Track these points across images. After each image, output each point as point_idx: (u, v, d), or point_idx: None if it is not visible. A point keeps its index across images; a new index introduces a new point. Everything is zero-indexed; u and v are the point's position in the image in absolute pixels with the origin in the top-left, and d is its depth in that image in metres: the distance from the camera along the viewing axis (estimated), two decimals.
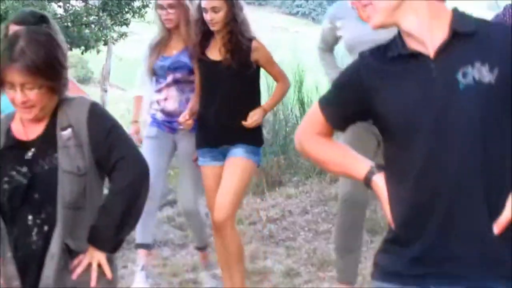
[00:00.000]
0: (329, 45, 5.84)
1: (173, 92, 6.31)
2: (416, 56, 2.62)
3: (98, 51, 20.86)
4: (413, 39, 2.63)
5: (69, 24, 19.47)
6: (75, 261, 3.32)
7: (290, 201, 9.25)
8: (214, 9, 5.79)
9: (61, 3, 19.64)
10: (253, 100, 6.02)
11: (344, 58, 5.64)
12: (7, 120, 3.61)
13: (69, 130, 3.42)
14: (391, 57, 2.68)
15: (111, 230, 3.37)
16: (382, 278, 2.82)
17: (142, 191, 3.46)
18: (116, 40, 22.13)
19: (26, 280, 3.40)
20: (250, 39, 5.90)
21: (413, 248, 2.69)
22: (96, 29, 19.66)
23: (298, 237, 8.28)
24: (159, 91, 6.34)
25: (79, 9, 19.83)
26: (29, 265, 3.41)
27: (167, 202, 9.43)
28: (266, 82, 9.76)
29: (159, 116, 6.38)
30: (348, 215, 5.58)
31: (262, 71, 6.17)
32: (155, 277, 7.42)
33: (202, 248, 6.88)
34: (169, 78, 6.28)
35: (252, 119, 5.79)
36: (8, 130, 3.56)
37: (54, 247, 3.34)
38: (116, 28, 20.97)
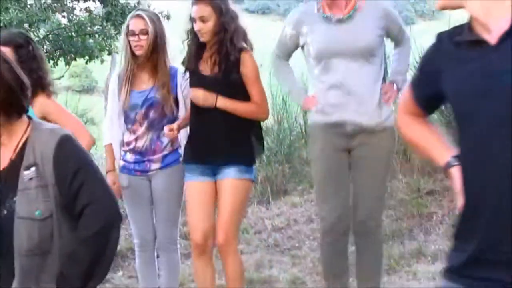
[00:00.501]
0: (287, 53, 5.68)
1: (143, 129, 6.07)
2: (480, 42, 2.63)
3: (102, 61, 20.85)
4: (478, 24, 2.64)
5: (73, 34, 19.46)
6: None
7: (295, 209, 9.25)
8: (202, 19, 5.62)
9: (65, 13, 19.65)
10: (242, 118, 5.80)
11: (310, 67, 5.44)
12: None
13: (33, 169, 3.22)
14: (458, 42, 2.71)
15: (79, 280, 3.16)
16: (447, 277, 2.82)
17: (111, 239, 3.26)
18: (119, 50, 21.89)
19: None
20: (240, 50, 5.70)
21: (469, 245, 2.69)
22: (100, 39, 19.64)
23: (303, 246, 8.28)
24: (129, 130, 6.14)
25: (83, 19, 19.82)
26: None
27: None
28: (270, 91, 9.77)
29: (129, 157, 6.18)
30: (329, 246, 5.59)
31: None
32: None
33: None
34: (140, 115, 6.07)
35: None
36: None
37: None
38: (120, 37, 20.76)
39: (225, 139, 5.74)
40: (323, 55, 5.29)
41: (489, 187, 2.60)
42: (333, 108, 5.30)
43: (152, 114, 6.05)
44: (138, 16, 6.07)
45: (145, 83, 6.09)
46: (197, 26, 5.66)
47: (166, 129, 5.88)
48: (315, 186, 5.69)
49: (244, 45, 5.77)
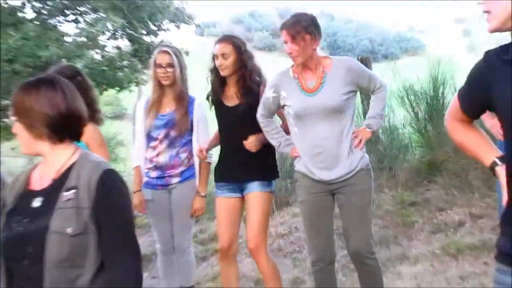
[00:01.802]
0: (271, 112, 5.63)
1: (164, 146, 6.16)
2: None
3: (130, 91, 20.91)
4: None
5: (105, 68, 19.50)
6: None
7: (296, 218, 9.24)
8: (224, 56, 5.71)
9: (98, 50, 19.68)
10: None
11: (290, 124, 5.44)
12: (30, 170, 3.48)
13: (73, 191, 3.20)
14: (505, 59, 2.74)
15: None
16: (500, 259, 2.85)
17: None
18: (145, 82, 22.17)
19: None
20: (259, 84, 5.81)
21: None
22: (129, 72, 19.69)
23: (303, 250, 8.26)
24: (152, 148, 6.20)
25: (113, 55, 19.85)
26: None
27: None
28: None
29: (152, 174, 6.23)
30: (318, 273, 5.59)
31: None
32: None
33: None
34: (162, 135, 6.15)
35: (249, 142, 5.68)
36: (27, 179, 3.42)
37: None
38: (146, 71, 21.06)
39: (250, 160, 5.80)
40: (299, 117, 5.30)
41: None
42: (311, 167, 5.35)
43: (172, 133, 6.12)
44: (165, 51, 6.16)
45: (168, 107, 6.17)
46: (219, 62, 5.74)
47: (197, 150, 6.02)
48: (303, 224, 5.73)
49: (261, 79, 5.87)
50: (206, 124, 6.27)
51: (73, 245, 3.11)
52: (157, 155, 6.16)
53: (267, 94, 5.49)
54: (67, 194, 3.20)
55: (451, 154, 9.07)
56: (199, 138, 6.16)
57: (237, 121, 5.81)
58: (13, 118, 3.31)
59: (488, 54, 2.90)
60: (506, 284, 2.79)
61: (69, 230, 3.12)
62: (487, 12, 2.79)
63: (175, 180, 6.17)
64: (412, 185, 9.19)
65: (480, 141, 3.12)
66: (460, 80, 9.65)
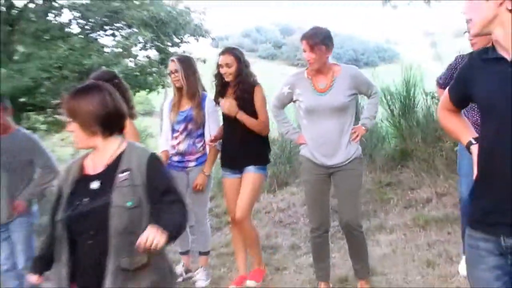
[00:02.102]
0: (284, 105, 5.70)
1: (184, 137, 6.26)
2: (500, 60, 2.69)
3: (158, 92, 20.84)
4: (500, 46, 2.70)
5: (137, 73, 19.48)
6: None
7: (294, 196, 9.25)
8: (228, 65, 5.82)
9: (132, 59, 19.67)
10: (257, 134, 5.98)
11: (300, 117, 5.53)
12: (81, 159, 3.53)
13: (127, 172, 3.30)
14: (485, 59, 2.78)
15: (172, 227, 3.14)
16: (470, 225, 2.88)
17: (185, 226, 3.38)
18: (170, 85, 21.97)
19: (77, 283, 3.31)
20: (253, 86, 5.90)
21: (485, 202, 2.76)
22: (157, 77, 19.63)
23: (299, 222, 8.28)
24: (175, 138, 6.29)
25: (144, 63, 19.83)
26: (81, 273, 3.30)
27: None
28: None
29: (175, 158, 6.34)
30: (315, 240, 5.64)
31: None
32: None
33: (205, 253, 6.65)
34: (182, 127, 6.24)
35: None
36: (81, 166, 3.47)
37: (111, 266, 3.20)
38: None
39: (245, 149, 5.92)
40: (309, 112, 5.35)
41: (497, 161, 2.68)
42: (315, 153, 5.39)
43: (189, 126, 6.23)
44: (172, 60, 6.33)
45: (187, 105, 6.25)
46: (224, 70, 5.85)
47: (208, 139, 6.12)
48: (306, 199, 5.81)
49: (254, 82, 5.95)
50: (216, 116, 6.33)
51: (131, 216, 3.20)
52: (178, 143, 6.27)
53: (283, 90, 5.55)
54: (122, 176, 3.29)
55: (420, 144, 9.06)
56: (210, 129, 6.22)
57: (234, 117, 5.87)
58: (68, 119, 3.35)
59: (472, 54, 2.96)
60: (476, 247, 2.80)
61: (127, 204, 3.21)
62: (469, 20, 2.81)
63: (191, 164, 6.28)
64: (388, 169, 9.19)
65: (461, 126, 3.16)
66: (428, 84, 9.68)
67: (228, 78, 5.87)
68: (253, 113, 5.88)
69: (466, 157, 5.55)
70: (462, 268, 5.63)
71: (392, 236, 7.06)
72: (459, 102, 3.09)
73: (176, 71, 6.20)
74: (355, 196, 5.47)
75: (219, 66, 5.90)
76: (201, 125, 6.24)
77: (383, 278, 5.89)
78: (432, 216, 7.39)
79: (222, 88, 5.99)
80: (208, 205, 6.64)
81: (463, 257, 5.73)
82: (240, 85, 5.86)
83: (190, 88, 6.20)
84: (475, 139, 2.98)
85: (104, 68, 15.60)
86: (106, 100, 3.34)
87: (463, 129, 3.13)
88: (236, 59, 5.85)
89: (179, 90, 6.29)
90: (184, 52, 19.47)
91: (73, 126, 3.33)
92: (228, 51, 5.94)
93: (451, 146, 8.37)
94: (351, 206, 5.42)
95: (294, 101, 5.50)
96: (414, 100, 9.79)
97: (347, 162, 5.36)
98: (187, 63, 6.27)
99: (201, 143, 6.28)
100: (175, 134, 6.29)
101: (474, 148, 2.93)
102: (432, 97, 9.63)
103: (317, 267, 5.78)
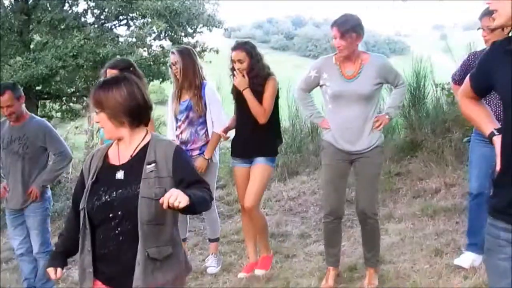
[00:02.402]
0: (310, 88, 5.65)
1: (186, 126, 6.29)
2: None
3: (171, 82, 20.84)
4: None
5: (151, 63, 19.51)
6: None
7: (304, 185, 9.24)
8: (240, 61, 5.84)
9: (145, 49, 19.70)
10: (272, 123, 6.00)
11: (326, 101, 5.48)
12: (106, 148, 3.53)
13: (153, 164, 3.30)
14: (507, 49, 2.76)
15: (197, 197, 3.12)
16: (492, 214, 2.84)
17: (208, 204, 3.35)
18: None
19: (100, 271, 3.33)
20: (265, 77, 5.90)
21: (508, 193, 2.73)
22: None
23: (309, 210, 8.28)
24: (178, 127, 6.32)
25: (158, 52, 19.85)
26: (102, 261, 3.33)
27: (219, 186, 9.45)
28: (287, 104, 9.81)
29: None
30: (328, 225, 5.61)
31: (280, 102, 6.17)
32: None
33: (214, 240, 6.72)
34: (184, 116, 6.28)
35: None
36: (105, 156, 3.48)
37: (140, 256, 3.22)
38: None
39: (259, 138, 5.93)
40: (335, 97, 5.32)
41: None
42: (338, 138, 5.37)
43: (190, 115, 6.26)
44: (172, 52, 6.38)
45: (187, 95, 6.29)
46: (236, 65, 5.88)
47: (221, 130, 6.15)
48: (323, 183, 5.76)
49: (269, 72, 5.95)
50: (218, 104, 6.37)
51: (158, 207, 3.15)
52: (181, 132, 6.30)
53: (310, 73, 5.50)
54: (149, 167, 3.30)
55: (429, 135, 9.03)
56: (212, 115, 6.25)
57: (247, 109, 5.90)
58: (96, 110, 3.36)
59: (494, 44, 2.93)
60: (497, 236, 2.78)
61: (154, 195, 3.21)
62: (495, 10, 2.79)
63: (195, 152, 6.29)
64: (398, 159, 9.16)
65: (483, 115, 3.13)
66: (438, 75, 9.63)
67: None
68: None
69: (477, 150, 5.54)
70: (460, 261, 5.64)
71: (401, 225, 7.05)
72: (480, 91, 3.07)
73: (176, 62, 6.24)
74: (373, 184, 5.47)
75: (232, 61, 5.92)
76: (203, 113, 6.26)
77: (391, 266, 5.89)
78: (440, 206, 7.37)
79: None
80: (214, 191, 6.65)
81: (465, 253, 5.74)
82: (253, 80, 5.86)
83: (186, 78, 6.23)
84: (497, 130, 2.95)
85: (118, 57, 15.62)
86: (135, 92, 3.35)
87: (485, 119, 3.11)
88: (248, 54, 5.85)
89: (178, 81, 6.34)
90: (197, 42, 19.51)
91: (101, 116, 3.34)
92: (240, 46, 5.92)
93: (460, 137, 8.33)
94: (368, 193, 5.42)
95: (321, 86, 5.48)
96: (424, 92, 9.76)
97: (368, 149, 5.35)
98: (186, 55, 6.30)
99: (203, 130, 6.30)
100: (178, 124, 6.33)
101: (497, 140, 2.90)
102: (442, 89, 9.61)
103: (328, 253, 5.77)
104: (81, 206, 3.38)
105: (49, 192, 6.29)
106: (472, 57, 5.66)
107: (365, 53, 5.42)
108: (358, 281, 5.69)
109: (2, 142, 6.14)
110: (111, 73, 5.46)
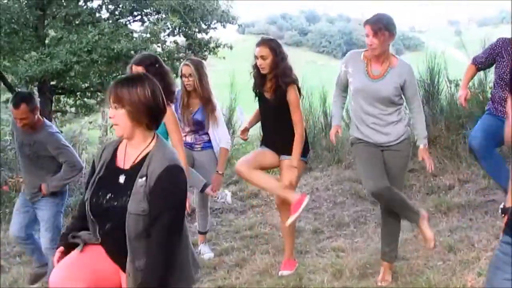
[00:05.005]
0: (343, 85, 5.59)
1: (191, 135, 6.56)
2: None
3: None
4: None
5: (165, 58, 19.48)
6: None
7: (317, 181, 9.24)
8: (263, 57, 5.69)
9: (160, 44, 19.70)
10: (291, 125, 5.82)
11: (351, 98, 5.54)
12: (117, 143, 3.52)
13: (144, 178, 3.25)
14: None
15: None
16: (507, 233, 2.69)
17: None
18: None
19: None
20: (288, 84, 5.72)
21: None
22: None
23: (322, 206, 8.28)
24: (182, 129, 6.26)
25: (172, 48, 19.83)
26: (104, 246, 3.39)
27: (232, 182, 9.47)
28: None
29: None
30: (385, 212, 5.61)
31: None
32: (223, 234, 7.49)
33: (204, 233, 6.97)
34: (188, 128, 6.52)
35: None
36: (115, 150, 3.47)
37: (129, 267, 3.26)
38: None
39: (283, 137, 5.86)
40: (357, 93, 5.34)
41: None
42: (365, 132, 5.38)
43: (197, 127, 6.56)
44: (186, 64, 6.49)
45: (194, 107, 6.50)
46: (259, 62, 5.73)
47: (240, 133, 6.42)
48: (358, 164, 5.60)
49: (292, 78, 5.78)
50: (222, 119, 6.71)
51: (145, 221, 3.18)
52: (185, 136, 6.42)
53: (341, 68, 5.52)
54: (141, 181, 3.26)
55: (443, 131, 9.00)
56: (218, 133, 6.55)
57: (271, 109, 5.87)
58: (114, 105, 3.30)
59: (500, 39, 2.93)
60: (509, 254, 2.67)
61: (141, 211, 3.20)
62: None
63: (198, 147, 6.60)
64: (411, 155, 9.13)
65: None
66: (452, 71, 9.58)
67: (263, 71, 5.76)
68: (287, 109, 5.78)
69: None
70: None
71: None
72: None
73: (190, 75, 6.36)
74: (399, 176, 5.48)
75: (255, 57, 5.80)
76: (207, 126, 6.54)
77: (404, 262, 5.87)
78: (454, 202, 7.35)
79: (260, 80, 5.89)
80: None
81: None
82: (278, 79, 5.73)
83: (204, 92, 6.40)
84: None
85: (132, 53, 15.63)
86: (158, 94, 3.33)
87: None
88: (272, 51, 5.72)
89: (188, 92, 6.47)
90: (211, 37, 19.52)
91: (119, 113, 3.28)
92: (264, 42, 5.79)
93: None
94: (394, 186, 5.35)
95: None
96: (438, 88, 9.74)
97: (396, 142, 5.36)
98: (200, 68, 6.44)
99: (206, 135, 6.58)
100: (182, 126, 6.41)
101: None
102: (456, 85, 9.56)
103: (384, 242, 5.68)
104: (85, 197, 3.43)
105: (65, 188, 6.33)
106: (501, 42, 5.64)
107: (395, 56, 5.40)
108: (371, 277, 5.67)
109: (16, 140, 6.29)
110: (137, 69, 5.45)
